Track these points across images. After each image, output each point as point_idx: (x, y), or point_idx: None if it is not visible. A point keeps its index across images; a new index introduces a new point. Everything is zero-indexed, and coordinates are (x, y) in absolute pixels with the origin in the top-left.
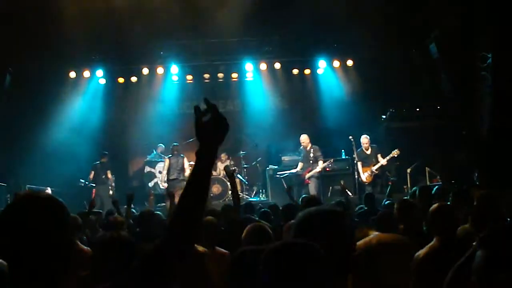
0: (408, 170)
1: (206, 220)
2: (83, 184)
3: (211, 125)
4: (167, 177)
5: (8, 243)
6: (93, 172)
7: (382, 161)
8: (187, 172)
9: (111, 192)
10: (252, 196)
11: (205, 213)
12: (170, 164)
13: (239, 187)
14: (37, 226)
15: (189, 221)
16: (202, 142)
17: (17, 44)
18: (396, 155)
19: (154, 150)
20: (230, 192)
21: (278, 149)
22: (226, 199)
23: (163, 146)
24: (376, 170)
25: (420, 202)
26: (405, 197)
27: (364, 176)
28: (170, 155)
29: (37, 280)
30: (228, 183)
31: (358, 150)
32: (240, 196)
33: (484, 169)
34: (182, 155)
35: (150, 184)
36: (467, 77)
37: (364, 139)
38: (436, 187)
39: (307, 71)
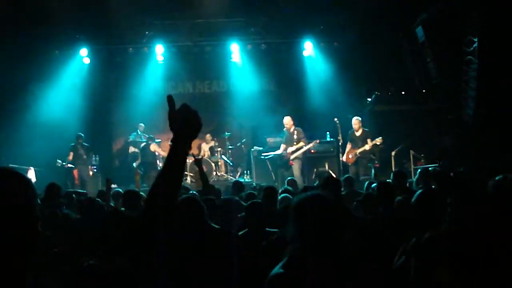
0: (393, 153)
1: None
2: (59, 165)
3: (182, 119)
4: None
5: None
6: (72, 153)
7: (366, 146)
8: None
9: (91, 172)
10: (237, 177)
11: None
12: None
13: (223, 168)
14: None
15: (162, 205)
16: (175, 134)
17: None
18: (378, 143)
19: (138, 131)
20: (214, 173)
21: (263, 131)
22: (211, 180)
23: (143, 125)
24: (359, 153)
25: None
26: (388, 180)
27: (349, 156)
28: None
29: None
30: (213, 164)
31: (350, 131)
32: (225, 177)
33: (469, 152)
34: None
35: (135, 164)
36: (453, 61)
37: (354, 121)
38: (419, 170)
39: (293, 53)
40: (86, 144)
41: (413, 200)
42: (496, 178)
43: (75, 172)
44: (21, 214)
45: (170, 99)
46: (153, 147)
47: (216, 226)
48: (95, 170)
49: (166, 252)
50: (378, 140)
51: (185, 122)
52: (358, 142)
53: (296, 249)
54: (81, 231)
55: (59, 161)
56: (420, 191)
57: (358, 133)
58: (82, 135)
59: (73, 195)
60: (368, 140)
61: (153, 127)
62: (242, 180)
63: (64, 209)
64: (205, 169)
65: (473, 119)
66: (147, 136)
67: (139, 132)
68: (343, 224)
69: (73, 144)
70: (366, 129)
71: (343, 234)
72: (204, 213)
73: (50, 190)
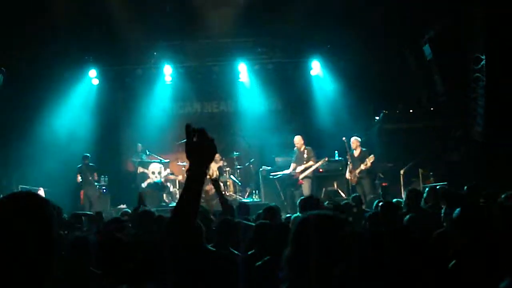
0: (401, 172)
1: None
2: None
3: (200, 146)
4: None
5: None
6: (79, 175)
7: (361, 166)
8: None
9: (97, 193)
10: (246, 197)
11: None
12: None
13: (232, 188)
14: (15, 225)
15: (182, 233)
16: (192, 162)
17: (9, 44)
18: (370, 162)
19: (146, 152)
20: (223, 193)
21: (271, 150)
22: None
23: (141, 145)
24: (358, 173)
25: (407, 204)
26: (395, 199)
27: (350, 177)
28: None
29: (17, 278)
30: (221, 184)
31: (351, 152)
32: (234, 197)
33: (478, 170)
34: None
35: (143, 185)
36: (460, 78)
37: (352, 141)
38: (427, 189)
39: (300, 72)
40: (92, 164)
41: (454, 216)
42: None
43: (82, 193)
44: (32, 238)
45: (188, 129)
46: (164, 172)
47: (212, 249)
48: (104, 190)
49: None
50: (370, 158)
51: (201, 150)
52: (357, 162)
53: (292, 273)
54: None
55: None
56: (459, 208)
57: (356, 153)
58: (88, 155)
59: (82, 217)
60: (366, 159)
61: (162, 147)
62: (251, 200)
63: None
64: (213, 189)
65: (482, 136)
66: (155, 156)
67: (142, 153)
68: (343, 248)
69: (79, 165)
70: (364, 149)
71: (341, 258)
72: (203, 236)
73: None
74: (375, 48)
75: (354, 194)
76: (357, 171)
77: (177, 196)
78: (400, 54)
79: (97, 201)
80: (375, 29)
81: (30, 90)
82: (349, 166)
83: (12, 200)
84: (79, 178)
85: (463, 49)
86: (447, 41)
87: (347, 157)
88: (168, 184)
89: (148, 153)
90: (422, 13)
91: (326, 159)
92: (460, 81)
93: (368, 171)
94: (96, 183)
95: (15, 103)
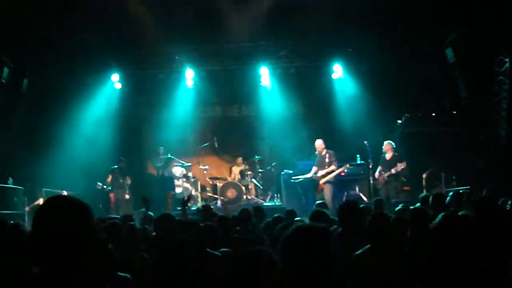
0: (424, 175)
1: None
2: (99, 187)
3: None
4: None
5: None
6: (110, 176)
7: (392, 170)
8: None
9: (127, 196)
10: (267, 201)
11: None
12: None
13: (254, 192)
14: (62, 226)
15: None
16: None
17: (33, 49)
18: (399, 169)
19: (170, 154)
20: (244, 196)
21: (293, 154)
22: (241, 203)
23: (162, 149)
24: (387, 177)
25: (433, 209)
26: (417, 204)
27: (379, 178)
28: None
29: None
30: (243, 187)
31: (382, 155)
32: (255, 200)
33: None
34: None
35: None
36: (484, 81)
37: (385, 144)
38: (451, 193)
39: (322, 76)
40: (126, 168)
41: None
42: None
43: (112, 195)
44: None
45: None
46: (174, 169)
47: (217, 253)
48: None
49: None
50: (402, 165)
51: None
52: (388, 166)
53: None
54: None
55: (99, 183)
56: None
57: (388, 157)
58: (124, 159)
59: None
60: (398, 164)
61: (184, 151)
62: (272, 204)
63: None
64: (235, 193)
65: (506, 140)
66: (177, 159)
67: (164, 156)
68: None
69: (115, 167)
70: (396, 153)
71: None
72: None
73: None
74: (397, 51)
75: (376, 198)
76: (386, 174)
77: (199, 199)
78: (422, 57)
79: (124, 205)
80: (397, 32)
81: (54, 94)
82: (379, 168)
83: (59, 201)
84: (109, 179)
85: (486, 52)
86: (470, 44)
87: (369, 160)
88: (190, 187)
89: (170, 156)
90: (444, 16)
91: (348, 166)
92: (483, 84)
93: (396, 176)
94: (127, 187)
95: (38, 108)
